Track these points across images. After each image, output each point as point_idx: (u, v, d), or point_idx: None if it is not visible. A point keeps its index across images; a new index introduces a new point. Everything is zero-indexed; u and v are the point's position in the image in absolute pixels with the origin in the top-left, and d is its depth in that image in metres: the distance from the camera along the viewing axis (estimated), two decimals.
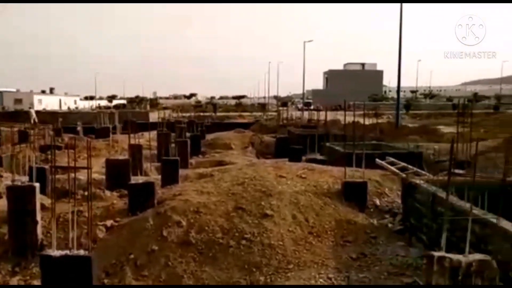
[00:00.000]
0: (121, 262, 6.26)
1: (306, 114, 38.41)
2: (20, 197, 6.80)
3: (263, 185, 7.96)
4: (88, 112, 45.97)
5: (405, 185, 7.28)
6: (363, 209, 7.66)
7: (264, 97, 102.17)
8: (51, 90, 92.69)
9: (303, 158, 13.58)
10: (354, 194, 7.82)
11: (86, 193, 8.03)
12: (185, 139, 16.84)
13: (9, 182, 7.68)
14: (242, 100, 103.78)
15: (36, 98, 74.87)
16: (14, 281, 6.13)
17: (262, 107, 62.92)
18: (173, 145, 15.87)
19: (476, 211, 4.90)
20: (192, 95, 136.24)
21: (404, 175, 8.49)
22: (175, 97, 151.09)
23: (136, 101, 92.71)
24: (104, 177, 10.37)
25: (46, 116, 32.37)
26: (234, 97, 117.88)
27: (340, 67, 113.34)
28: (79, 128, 25.89)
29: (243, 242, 6.39)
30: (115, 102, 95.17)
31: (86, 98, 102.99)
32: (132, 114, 34.78)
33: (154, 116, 31.93)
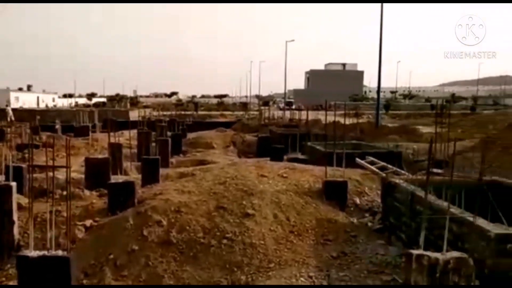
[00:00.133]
0: (101, 263, 6.18)
1: (287, 113, 38.57)
2: None
3: (245, 184, 7.97)
4: (67, 110, 45.18)
5: (385, 184, 7.37)
6: (344, 208, 7.73)
7: (246, 96, 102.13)
8: (29, 88, 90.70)
9: (285, 157, 13.63)
10: (334, 193, 7.88)
11: (64, 193, 7.90)
12: (166, 138, 16.71)
13: None
14: (224, 99, 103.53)
15: (13, 95, 73.21)
16: None
17: (244, 106, 62.89)
18: (153, 144, 15.70)
19: (454, 209, 4.99)
20: (173, 93, 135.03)
21: (383, 175, 8.61)
22: (156, 95, 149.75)
23: (116, 99, 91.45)
24: (83, 176, 10.22)
25: (23, 114, 31.75)
26: (216, 96, 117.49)
27: (322, 67, 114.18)
28: (57, 127, 25.42)
29: (225, 241, 6.38)
30: (94, 100, 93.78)
31: (65, 96, 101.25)
32: (112, 112, 34.40)
33: (134, 115, 31.56)
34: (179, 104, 72.22)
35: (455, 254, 4.21)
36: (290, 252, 6.25)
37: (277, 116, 35.52)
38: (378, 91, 31.91)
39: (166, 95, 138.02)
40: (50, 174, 5.63)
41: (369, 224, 7.28)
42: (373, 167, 9.94)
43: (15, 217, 6.73)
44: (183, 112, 37.81)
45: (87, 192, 8.95)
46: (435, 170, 6.60)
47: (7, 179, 7.45)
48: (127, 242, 6.47)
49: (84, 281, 5.87)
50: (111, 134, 11.99)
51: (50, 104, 78.77)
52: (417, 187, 6.21)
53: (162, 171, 10.77)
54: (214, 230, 6.61)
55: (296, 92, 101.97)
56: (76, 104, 75.88)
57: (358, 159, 10.70)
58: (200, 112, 48.04)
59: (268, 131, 21.79)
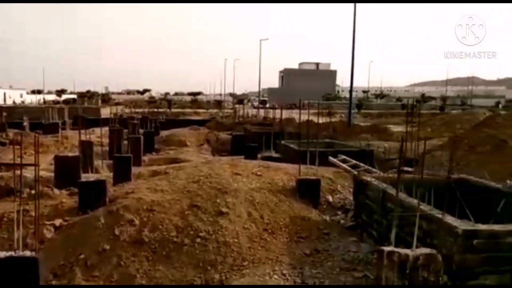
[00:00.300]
0: (71, 263, 6.04)
1: (262, 112, 38.66)
2: None
3: (219, 182, 7.94)
4: (35, 107, 43.96)
5: (357, 182, 7.47)
6: (317, 206, 7.80)
7: (220, 94, 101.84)
8: None
9: (259, 155, 13.67)
10: (308, 191, 7.95)
11: (33, 192, 7.69)
12: (138, 135, 16.50)
13: None
14: (198, 97, 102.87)
15: None
16: None
17: (218, 104, 62.68)
18: (125, 141, 15.51)
19: (423, 207, 5.11)
20: (145, 90, 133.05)
21: (355, 173, 8.73)
22: (128, 92, 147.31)
23: (87, 96, 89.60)
24: (52, 174, 9.97)
25: None
26: (189, 94, 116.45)
27: (296, 66, 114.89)
28: (25, 124, 24.73)
29: (198, 240, 6.34)
30: (64, 96, 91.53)
31: (33, 92, 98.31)
32: (83, 109, 33.65)
33: (105, 112, 31.06)
34: (152, 101, 71.19)
35: (425, 250, 4.31)
36: (264, 250, 6.27)
37: (251, 115, 35.58)
38: (351, 91, 32.37)
39: (138, 92, 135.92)
40: (18, 172, 5.46)
41: (342, 221, 7.38)
42: (345, 165, 10.08)
43: None
44: (156, 110, 37.31)
45: (56, 191, 8.75)
46: (405, 169, 6.74)
47: None
48: (98, 241, 6.35)
49: (53, 282, 5.74)
50: (82, 131, 11.74)
51: (18, 101, 76.47)
52: (388, 185, 6.32)
53: (134, 169, 10.63)
54: (188, 229, 6.57)
55: (271, 90, 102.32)
56: (44, 101, 73.72)
57: (331, 158, 10.82)
58: (173, 110, 47.65)
59: (243, 130, 21.81)
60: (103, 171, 11.87)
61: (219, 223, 6.66)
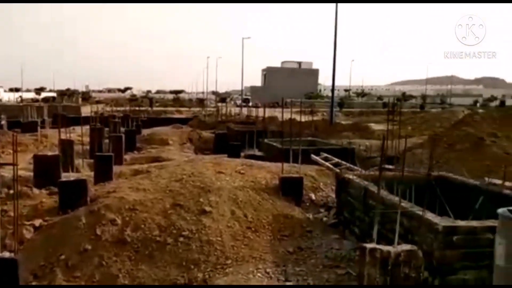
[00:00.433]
0: (51, 263, 5.95)
1: (244, 110, 38.61)
2: None
3: (202, 181, 7.91)
4: (13, 105, 43.05)
5: (339, 180, 7.54)
6: (300, 204, 7.85)
7: (203, 93, 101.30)
8: None
9: (242, 154, 13.67)
10: (291, 189, 7.99)
11: (11, 191, 7.54)
12: (120, 134, 16.31)
13: None
14: (180, 95, 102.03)
15: None
16: None
17: (201, 102, 62.33)
18: (106, 140, 15.31)
19: (404, 204, 5.18)
20: (127, 88, 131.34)
21: (337, 170, 8.80)
22: (109, 90, 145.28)
23: (67, 94, 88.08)
24: (31, 174, 9.79)
25: None
26: (171, 92, 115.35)
27: (278, 65, 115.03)
28: (3, 122, 24.14)
29: (181, 239, 6.31)
30: (43, 94, 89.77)
31: (11, 90, 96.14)
32: (63, 107, 33.07)
33: (86, 110, 30.60)
34: (133, 99, 70.37)
35: (406, 247, 4.38)
36: (247, 248, 6.27)
37: (234, 113, 35.49)
38: (333, 89, 32.57)
39: (119, 90, 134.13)
40: None
41: (324, 219, 7.44)
42: (327, 163, 10.15)
43: None
44: (137, 108, 36.83)
45: (36, 191, 8.59)
46: (387, 166, 6.83)
47: None
48: (79, 241, 6.27)
49: (34, 283, 5.66)
50: (62, 130, 11.54)
51: None
52: (370, 183, 6.39)
53: (116, 168, 10.52)
54: (170, 228, 6.53)
55: (253, 89, 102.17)
56: (22, 99, 72.08)
57: (313, 156, 10.89)
58: (155, 108, 47.17)
59: (225, 128, 21.74)
60: (84, 170, 11.70)
61: (202, 222, 6.64)
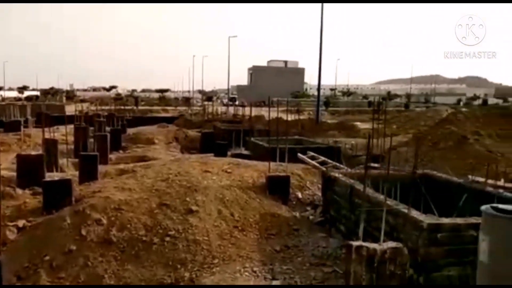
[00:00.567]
0: (35, 265, 5.86)
1: (231, 109, 38.56)
2: None
3: (188, 180, 7.88)
4: None
5: (325, 178, 7.58)
6: (286, 202, 7.87)
7: (189, 91, 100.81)
8: None
9: (229, 153, 13.65)
10: (277, 187, 8.01)
11: None
12: (105, 133, 16.16)
13: None
14: (166, 94, 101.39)
15: None
16: None
17: (187, 101, 62.02)
18: (91, 139, 15.14)
19: (390, 202, 5.23)
20: (112, 87, 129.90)
21: (324, 169, 8.85)
22: (94, 89, 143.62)
23: (51, 92, 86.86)
24: (14, 174, 9.64)
25: None
26: (157, 91, 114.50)
27: (264, 64, 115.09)
28: None
29: (167, 239, 6.28)
30: (27, 93, 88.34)
31: None
32: (47, 106, 32.61)
33: (70, 109, 30.15)
34: (119, 98, 69.71)
35: (391, 244, 4.42)
36: (234, 247, 6.27)
37: (220, 112, 35.38)
38: (319, 88, 32.73)
39: (104, 89, 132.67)
40: None
41: (311, 217, 7.47)
42: (314, 162, 10.20)
43: None
44: (122, 107, 36.51)
45: (19, 191, 8.47)
46: (372, 165, 6.89)
47: None
48: (64, 242, 6.19)
49: (18, 284, 5.56)
50: (46, 129, 11.39)
51: None
52: (356, 181, 6.44)
53: (101, 168, 10.42)
54: (157, 227, 6.49)
55: (239, 88, 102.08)
56: (3, 98, 70.77)
57: (300, 154, 10.92)
58: (140, 107, 46.74)
59: (212, 127, 21.69)
60: (68, 170, 11.55)
61: (189, 221, 6.62)
